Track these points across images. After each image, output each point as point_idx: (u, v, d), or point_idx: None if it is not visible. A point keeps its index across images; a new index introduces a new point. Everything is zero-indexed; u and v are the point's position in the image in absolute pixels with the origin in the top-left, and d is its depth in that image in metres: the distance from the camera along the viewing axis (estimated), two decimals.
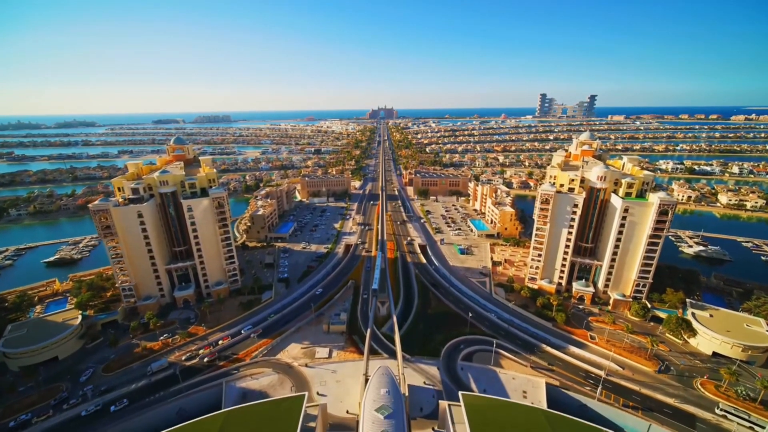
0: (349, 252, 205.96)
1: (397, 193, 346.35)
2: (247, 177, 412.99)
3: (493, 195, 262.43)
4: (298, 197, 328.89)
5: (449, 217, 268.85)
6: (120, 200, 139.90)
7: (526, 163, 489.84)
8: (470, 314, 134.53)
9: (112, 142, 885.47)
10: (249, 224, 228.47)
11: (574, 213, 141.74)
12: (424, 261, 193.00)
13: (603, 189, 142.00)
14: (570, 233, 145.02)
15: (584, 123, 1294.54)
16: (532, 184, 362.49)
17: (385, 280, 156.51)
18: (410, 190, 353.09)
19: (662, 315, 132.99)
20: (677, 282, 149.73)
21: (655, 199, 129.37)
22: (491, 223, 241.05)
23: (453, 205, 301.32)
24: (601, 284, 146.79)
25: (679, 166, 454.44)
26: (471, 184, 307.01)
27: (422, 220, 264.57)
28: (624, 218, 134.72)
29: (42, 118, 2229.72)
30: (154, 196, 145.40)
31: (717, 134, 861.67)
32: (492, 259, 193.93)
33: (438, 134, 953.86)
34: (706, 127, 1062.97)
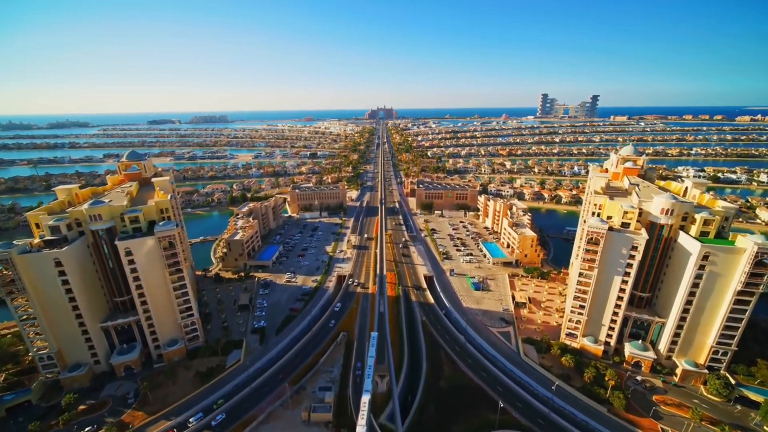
0: (342, 287, 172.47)
1: (397, 205, 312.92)
2: (235, 186, 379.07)
3: (508, 213, 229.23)
4: (288, 211, 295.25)
5: (458, 238, 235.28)
6: (35, 242, 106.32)
7: (536, 170, 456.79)
8: (500, 403, 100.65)
9: (100, 145, 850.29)
10: (225, 251, 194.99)
11: (632, 257, 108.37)
12: (431, 301, 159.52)
13: (668, 225, 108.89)
14: (625, 282, 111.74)
15: (587, 124, 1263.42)
16: (546, 195, 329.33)
17: (385, 346, 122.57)
18: (412, 201, 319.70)
19: (753, 396, 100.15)
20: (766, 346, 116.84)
21: (747, 244, 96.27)
22: (507, 247, 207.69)
23: (461, 222, 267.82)
24: (663, 347, 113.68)
25: (700, 173, 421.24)
26: (481, 199, 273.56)
27: (427, 241, 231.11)
28: (702, 267, 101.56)
29: (35, 118, 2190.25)
30: (84, 233, 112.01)
31: (728, 136, 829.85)
32: (513, 297, 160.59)
33: (439, 136, 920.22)
34: (713, 128, 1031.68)
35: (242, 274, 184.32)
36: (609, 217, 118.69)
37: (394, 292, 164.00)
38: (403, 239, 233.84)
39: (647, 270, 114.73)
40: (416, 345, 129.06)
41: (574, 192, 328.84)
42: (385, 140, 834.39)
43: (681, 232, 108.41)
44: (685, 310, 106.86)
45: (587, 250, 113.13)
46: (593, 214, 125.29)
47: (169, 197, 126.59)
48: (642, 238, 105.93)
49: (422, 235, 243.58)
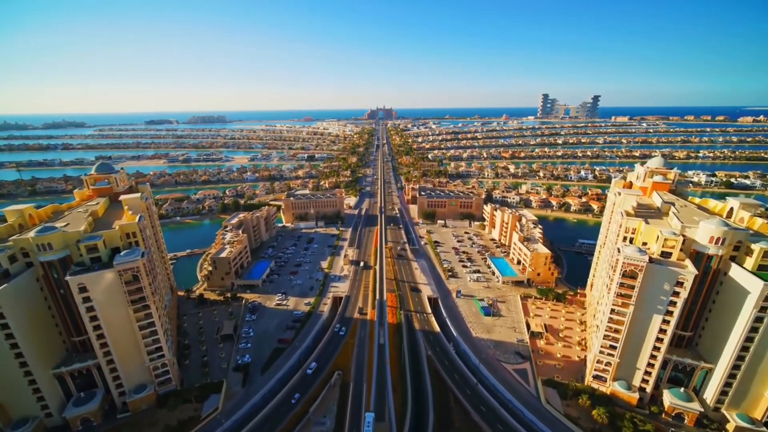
0: (338, 311, 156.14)
1: (398, 212, 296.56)
2: (227, 192, 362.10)
3: (517, 225, 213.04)
4: (282, 221, 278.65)
5: (463, 252, 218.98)
6: None
7: (541, 174, 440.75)
8: None
9: (94, 146, 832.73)
10: (210, 269, 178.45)
11: (677, 295, 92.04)
12: (437, 329, 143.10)
13: (718, 256, 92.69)
14: (666, 321, 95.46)
15: (589, 125, 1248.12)
16: (554, 203, 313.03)
17: (385, 394, 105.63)
18: (414, 209, 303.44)
19: None
20: None
21: None
22: (518, 264, 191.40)
23: (466, 233, 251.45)
24: (710, 397, 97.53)
25: (712, 178, 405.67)
26: (487, 208, 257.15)
27: (430, 255, 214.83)
28: (764, 309, 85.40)
29: (31, 118, 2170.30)
30: (33, 265, 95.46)
31: (733, 138, 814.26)
32: (528, 325, 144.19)
33: (440, 137, 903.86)
34: (717, 129, 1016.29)
35: (228, 295, 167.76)
36: (644, 244, 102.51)
37: (395, 318, 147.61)
38: (405, 253, 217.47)
39: (690, 305, 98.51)
40: (421, 388, 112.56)
41: (584, 199, 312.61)
42: (385, 141, 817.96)
43: (733, 265, 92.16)
44: (740, 357, 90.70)
45: (622, 284, 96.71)
46: (625, 239, 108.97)
47: (137, 219, 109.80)
48: (689, 273, 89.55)
49: (425, 248, 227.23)
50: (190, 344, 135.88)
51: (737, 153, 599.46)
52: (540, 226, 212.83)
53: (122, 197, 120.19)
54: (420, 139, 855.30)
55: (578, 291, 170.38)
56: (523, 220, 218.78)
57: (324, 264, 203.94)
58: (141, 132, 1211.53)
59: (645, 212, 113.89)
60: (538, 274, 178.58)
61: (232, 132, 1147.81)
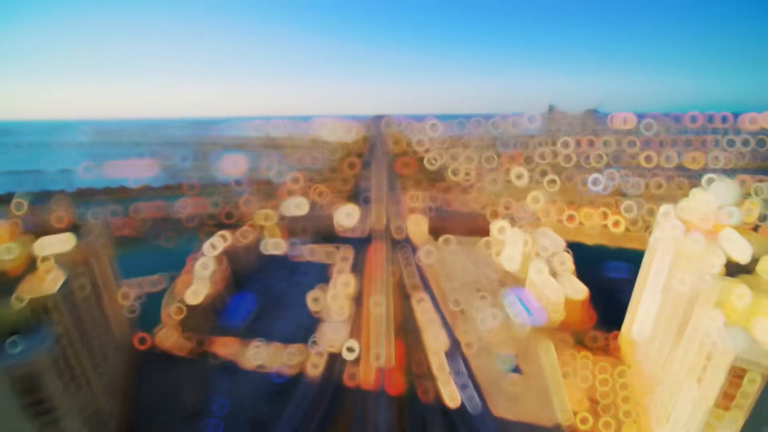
0: (332, 374, 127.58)
1: (399, 230, 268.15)
2: (214, 204, 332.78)
3: (538, 252, 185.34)
4: (272, 241, 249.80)
5: (473, 281, 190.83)
6: None
7: (549, 182, 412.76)
8: None
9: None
10: (178, 314, 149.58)
11: None
12: (450, 402, 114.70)
13: None
14: None
15: (592, 127, 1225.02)
16: (570, 223, 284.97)
17: None
18: (415, 225, 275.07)
19: None
20: None
21: None
22: (543, 300, 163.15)
23: (475, 255, 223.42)
24: None
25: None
26: (498, 227, 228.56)
27: (436, 287, 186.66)
28: None
29: (18, 124, 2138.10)
30: None
31: (751, 140, 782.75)
32: (567, 398, 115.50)
33: (440, 142, 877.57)
34: (728, 134, 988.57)
35: (198, 349, 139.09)
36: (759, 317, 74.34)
37: (400, 386, 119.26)
38: (408, 283, 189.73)
39: None
40: None
41: (604, 219, 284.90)
42: (384, 146, 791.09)
43: None
44: None
45: (727, 395, 68.54)
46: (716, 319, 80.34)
47: (57, 287, 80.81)
48: None
49: (429, 275, 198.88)
50: (140, 428, 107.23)
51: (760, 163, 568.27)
52: (568, 250, 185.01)
53: (41, 248, 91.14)
54: (420, 145, 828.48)
55: (611, 337, 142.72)
56: (545, 242, 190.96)
57: (316, 300, 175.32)
58: (133, 138, 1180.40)
59: (735, 269, 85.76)
60: (571, 317, 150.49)
61: (228, 137, 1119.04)
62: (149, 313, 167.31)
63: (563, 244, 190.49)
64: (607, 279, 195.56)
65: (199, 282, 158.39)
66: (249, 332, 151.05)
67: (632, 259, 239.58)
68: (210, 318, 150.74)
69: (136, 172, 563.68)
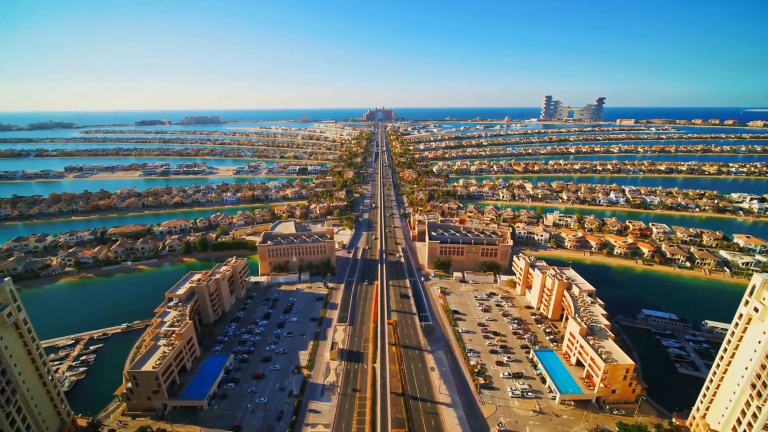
0: None
1: (402, 255, 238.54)
2: (199, 222, 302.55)
3: (567, 297, 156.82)
4: (256, 272, 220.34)
5: (493, 333, 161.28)
6: None
7: (564, 196, 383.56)
8: None
9: (71, 153, 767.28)
10: (130, 386, 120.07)
11: None
12: None
13: None
14: None
15: (595, 129, 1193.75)
16: (592, 242, 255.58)
17: None
18: (421, 251, 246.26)
19: None
20: None
21: None
22: (577, 364, 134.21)
23: (492, 294, 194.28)
24: None
25: (765, 204, 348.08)
26: (519, 263, 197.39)
27: (449, 339, 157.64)
28: None
29: (17, 117, 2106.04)
30: None
31: (757, 147, 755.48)
32: None
33: (443, 144, 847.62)
34: (732, 136, 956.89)
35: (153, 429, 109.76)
36: None
37: None
38: (414, 333, 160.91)
39: None
40: None
41: (629, 239, 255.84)
42: (384, 148, 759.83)
43: None
44: None
45: None
46: None
47: None
48: None
49: (441, 322, 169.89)
50: None
51: None
52: (600, 302, 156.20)
53: None
54: (422, 146, 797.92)
55: (674, 418, 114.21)
56: (575, 290, 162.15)
57: (303, 357, 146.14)
58: (128, 135, 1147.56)
59: None
60: (614, 391, 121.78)
61: (224, 135, 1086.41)
62: (118, 368, 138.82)
63: (592, 291, 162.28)
64: (653, 320, 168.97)
65: (158, 345, 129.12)
66: (218, 407, 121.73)
67: (662, 286, 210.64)
68: (167, 392, 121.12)
69: (125, 174, 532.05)
